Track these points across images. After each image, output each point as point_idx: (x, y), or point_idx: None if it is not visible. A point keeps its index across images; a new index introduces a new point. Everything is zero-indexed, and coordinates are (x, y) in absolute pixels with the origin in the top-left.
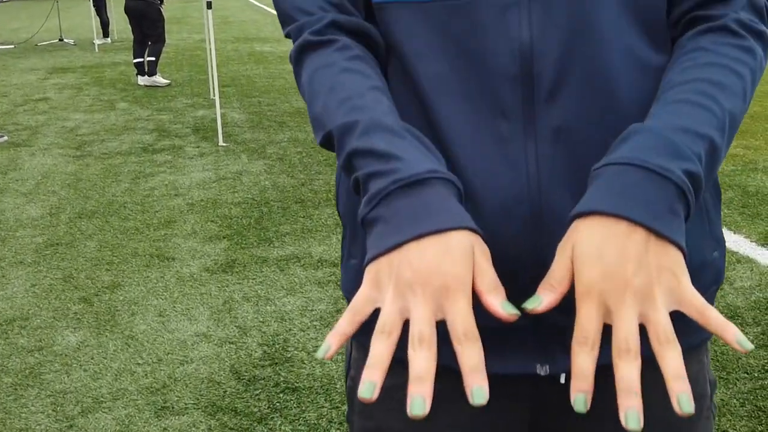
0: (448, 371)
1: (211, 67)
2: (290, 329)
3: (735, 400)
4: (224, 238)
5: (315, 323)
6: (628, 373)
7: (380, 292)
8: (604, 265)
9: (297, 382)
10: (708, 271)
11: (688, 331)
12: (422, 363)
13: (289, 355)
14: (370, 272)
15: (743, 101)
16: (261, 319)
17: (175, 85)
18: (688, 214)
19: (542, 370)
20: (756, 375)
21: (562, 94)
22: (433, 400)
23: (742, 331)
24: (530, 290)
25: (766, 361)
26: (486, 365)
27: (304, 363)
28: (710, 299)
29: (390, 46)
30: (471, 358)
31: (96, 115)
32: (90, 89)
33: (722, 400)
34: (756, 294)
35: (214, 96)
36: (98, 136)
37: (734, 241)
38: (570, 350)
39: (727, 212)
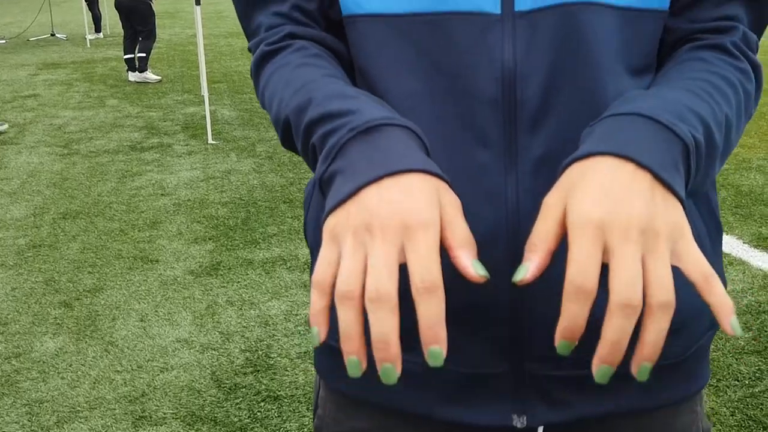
0: (418, 418)
1: (201, 63)
2: (274, 335)
3: (725, 409)
4: (210, 239)
5: (299, 328)
6: (620, 325)
7: (339, 247)
8: (608, 197)
9: (279, 390)
10: (705, 318)
11: (685, 380)
12: (383, 324)
13: (271, 362)
14: (327, 229)
15: (737, 117)
16: (244, 324)
17: (166, 81)
18: (686, 184)
19: (519, 422)
20: (747, 382)
21: (546, 121)
22: None
23: (733, 338)
24: (503, 338)
25: (756, 368)
26: (459, 415)
27: (287, 370)
28: (707, 343)
29: (360, 64)
30: (427, 311)
31: (85, 112)
32: (80, 85)
33: (712, 408)
34: (748, 297)
35: (204, 92)
36: (86, 134)
37: (726, 243)
38: (549, 400)
39: (720, 212)
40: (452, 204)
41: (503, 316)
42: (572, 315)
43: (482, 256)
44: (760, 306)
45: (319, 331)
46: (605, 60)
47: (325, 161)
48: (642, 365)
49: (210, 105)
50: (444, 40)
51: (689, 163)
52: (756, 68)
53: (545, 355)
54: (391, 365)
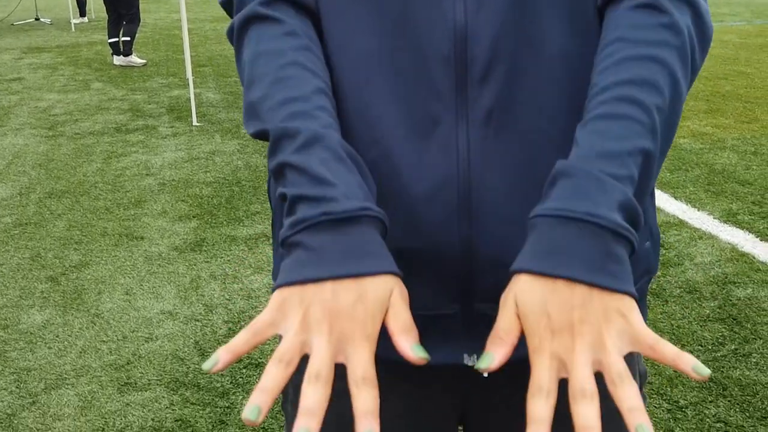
0: (380, 361)
1: (185, 46)
2: (256, 306)
3: None
4: (194, 217)
5: None
6: (585, 412)
7: (284, 319)
8: (551, 321)
9: (260, 358)
10: (639, 265)
11: None
12: (315, 396)
13: None
14: (277, 297)
15: (674, 88)
16: (227, 297)
17: (151, 64)
18: (633, 248)
19: (470, 360)
20: (710, 347)
21: (494, 76)
22: None
23: (699, 304)
24: (454, 280)
25: (720, 334)
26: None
27: (268, 339)
28: (642, 290)
29: (323, 25)
30: (366, 401)
31: (70, 95)
32: (65, 69)
33: (674, 371)
34: (715, 269)
35: (188, 76)
36: (71, 116)
37: (697, 218)
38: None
39: (692, 189)
40: (401, 297)
41: (454, 260)
42: (537, 409)
43: (435, 202)
44: (726, 277)
45: (216, 362)
46: (549, 12)
47: (292, 227)
48: (637, 428)
49: (195, 88)
50: (402, 2)
51: (626, 237)
52: (692, 5)
53: (494, 295)
54: (306, 430)
